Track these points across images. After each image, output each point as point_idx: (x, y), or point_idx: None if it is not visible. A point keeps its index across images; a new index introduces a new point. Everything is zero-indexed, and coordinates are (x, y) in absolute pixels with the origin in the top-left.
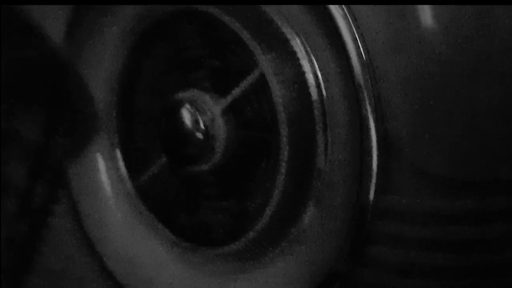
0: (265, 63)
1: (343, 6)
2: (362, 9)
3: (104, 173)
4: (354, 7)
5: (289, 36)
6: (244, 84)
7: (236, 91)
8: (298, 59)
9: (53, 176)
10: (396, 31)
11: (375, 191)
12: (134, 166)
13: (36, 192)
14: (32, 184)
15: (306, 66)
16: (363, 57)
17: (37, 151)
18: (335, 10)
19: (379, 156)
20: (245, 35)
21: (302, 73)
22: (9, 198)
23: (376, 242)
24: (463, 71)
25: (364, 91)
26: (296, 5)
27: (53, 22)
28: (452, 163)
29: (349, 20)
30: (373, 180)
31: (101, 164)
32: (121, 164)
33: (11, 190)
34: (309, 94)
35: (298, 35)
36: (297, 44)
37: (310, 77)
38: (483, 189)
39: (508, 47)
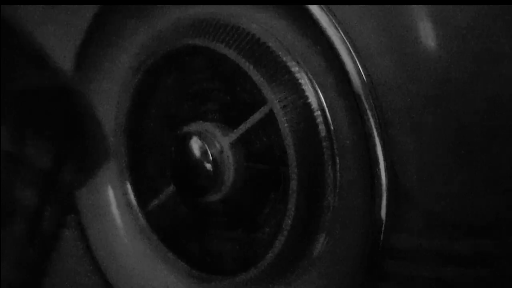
0: (274, 100)
1: (344, 38)
2: (360, 34)
3: (113, 200)
4: (353, 33)
5: (297, 75)
6: (253, 119)
7: (245, 125)
8: (306, 95)
9: (63, 202)
10: (400, 60)
11: (385, 228)
12: (144, 195)
13: (45, 217)
14: (41, 209)
15: (313, 102)
16: (369, 92)
17: (47, 177)
18: (339, 42)
19: (388, 194)
20: (252, 72)
21: (310, 109)
22: (19, 222)
23: (386, 279)
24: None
25: (374, 131)
26: (301, 40)
27: (63, 52)
28: (460, 205)
29: (352, 53)
30: (383, 217)
31: (110, 192)
32: (130, 192)
33: (20, 215)
34: (317, 130)
35: (305, 72)
36: (305, 82)
37: (318, 114)
38: (493, 230)
39: (506, 50)
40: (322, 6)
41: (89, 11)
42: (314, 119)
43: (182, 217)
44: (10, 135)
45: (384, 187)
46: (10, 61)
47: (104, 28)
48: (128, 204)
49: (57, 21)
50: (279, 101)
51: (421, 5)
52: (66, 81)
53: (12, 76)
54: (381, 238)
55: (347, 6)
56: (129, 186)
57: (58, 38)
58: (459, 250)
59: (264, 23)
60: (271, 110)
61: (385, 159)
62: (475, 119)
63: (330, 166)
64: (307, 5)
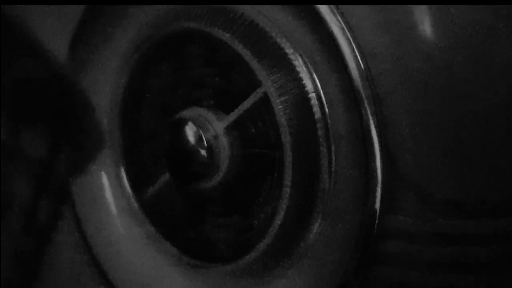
0: (268, 83)
1: (342, 23)
2: (361, 25)
3: (108, 189)
4: (353, 23)
5: (291, 56)
6: (247, 102)
7: (239, 110)
8: (301, 79)
9: (58, 193)
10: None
11: (380, 211)
12: (138, 182)
13: (40, 208)
14: (37, 200)
15: (308, 86)
16: (365, 75)
17: (42, 168)
18: (334, 26)
19: (383, 177)
20: (248, 55)
21: (305, 93)
22: (14, 214)
23: (381, 260)
24: (466, 79)
25: (368, 110)
26: (297, 23)
27: (56, 40)
28: (456, 185)
29: (349, 38)
30: (378, 200)
31: (105, 180)
32: (125, 180)
33: (16, 206)
34: (312, 113)
35: (300, 54)
36: (299, 63)
37: (313, 96)
38: (488, 210)
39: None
40: None
41: None
42: (308, 101)
43: (177, 205)
44: (5, 125)
45: (379, 171)
46: (3, 51)
47: (98, 16)
48: (123, 192)
49: (51, 9)
50: (273, 83)
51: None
52: (60, 71)
53: (5, 66)
54: (376, 222)
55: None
56: (124, 174)
57: (52, 26)
58: (458, 230)
59: (259, 6)
60: (265, 93)
61: (381, 145)
62: (474, 107)
63: (325, 150)
64: None
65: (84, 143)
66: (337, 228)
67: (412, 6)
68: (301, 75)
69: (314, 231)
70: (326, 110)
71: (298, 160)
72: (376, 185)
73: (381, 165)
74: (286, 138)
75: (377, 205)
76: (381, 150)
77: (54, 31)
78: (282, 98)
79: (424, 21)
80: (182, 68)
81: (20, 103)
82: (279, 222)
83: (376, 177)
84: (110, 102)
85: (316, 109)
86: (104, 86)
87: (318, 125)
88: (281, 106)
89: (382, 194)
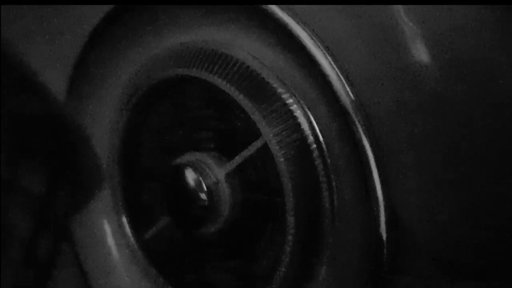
0: (268, 133)
1: (336, 68)
2: (349, 56)
3: (108, 231)
4: (347, 63)
5: (288, 102)
6: (248, 150)
7: (240, 157)
8: (299, 125)
9: (57, 229)
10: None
11: (385, 270)
12: (139, 224)
13: (40, 243)
14: (37, 235)
15: (307, 131)
16: (364, 124)
17: (40, 203)
18: (329, 70)
19: (388, 233)
20: (247, 105)
21: (304, 139)
22: (15, 247)
23: None
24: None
25: (370, 161)
26: (292, 68)
27: (55, 78)
28: (460, 248)
29: (343, 81)
30: (383, 258)
31: (106, 222)
32: (125, 221)
33: (16, 240)
34: (312, 159)
35: (297, 99)
36: (299, 113)
37: (312, 142)
38: (492, 273)
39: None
40: (311, 33)
41: (83, 33)
42: (308, 147)
43: (178, 247)
44: (5, 162)
45: (382, 218)
46: (1, 87)
47: (99, 52)
48: (124, 234)
49: (50, 43)
50: (274, 135)
51: (410, 24)
52: (59, 107)
53: (4, 102)
54: (381, 280)
55: (335, 28)
56: (124, 217)
57: (51, 60)
58: None
59: (255, 52)
60: (265, 143)
61: (383, 191)
62: (469, 131)
63: (328, 204)
64: (295, 33)
65: (83, 180)
66: (342, 280)
67: (399, 25)
68: (302, 126)
69: (320, 279)
70: (328, 160)
71: (300, 208)
72: (381, 242)
73: (385, 219)
74: (287, 185)
75: (383, 263)
76: (385, 204)
77: (52, 64)
78: (282, 147)
79: (419, 55)
80: (182, 109)
81: (18, 139)
82: (283, 269)
83: (380, 233)
84: (109, 143)
85: (316, 155)
86: (102, 125)
87: (320, 173)
88: (281, 155)
89: (387, 251)
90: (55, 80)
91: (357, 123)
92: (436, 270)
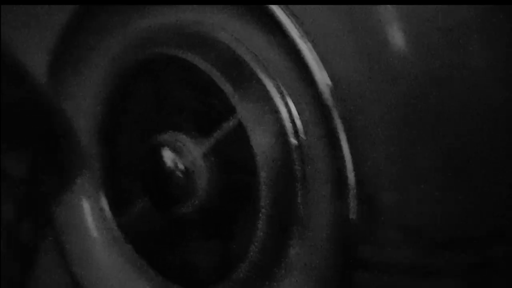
0: (243, 111)
1: (314, 51)
2: (328, 41)
3: (88, 212)
4: (325, 49)
5: (265, 82)
6: (224, 129)
7: (216, 136)
8: (276, 106)
9: (40, 214)
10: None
11: (354, 242)
12: (118, 205)
13: (24, 229)
14: (20, 219)
15: (283, 112)
16: (337, 104)
17: (24, 188)
18: (308, 54)
19: (358, 206)
20: (223, 82)
21: (280, 121)
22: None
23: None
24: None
25: (341, 139)
26: (273, 51)
27: (36, 61)
28: (434, 219)
29: (321, 65)
30: (352, 231)
31: (86, 204)
32: (104, 203)
33: (1, 228)
34: (287, 141)
35: (274, 79)
36: (274, 90)
37: (288, 125)
38: (456, 244)
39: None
40: (290, 15)
41: (64, 14)
42: (283, 128)
43: (157, 228)
44: None
45: (352, 194)
46: None
47: (78, 33)
48: (103, 215)
49: (30, 26)
50: (248, 112)
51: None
52: (42, 93)
53: None
54: (350, 252)
55: (315, 12)
56: (103, 198)
57: (32, 44)
58: (433, 263)
59: (235, 33)
60: (241, 122)
61: (354, 168)
62: (447, 123)
63: (299, 176)
64: (275, 13)
65: (65, 165)
66: (314, 257)
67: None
68: (276, 103)
69: (293, 254)
70: (302, 137)
71: (273, 185)
72: (350, 215)
73: (356, 198)
74: (261, 164)
75: (352, 236)
76: (357, 186)
77: (33, 48)
78: (257, 125)
79: (396, 39)
80: (159, 92)
81: (1, 126)
82: (257, 247)
83: (349, 206)
84: (89, 125)
85: (291, 136)
86: (82, 108)
87: (293, 152)
88: (256, 133)
89: (356, 226)
90: (36, 64)
91: (331, 104)
92: (402, 239)
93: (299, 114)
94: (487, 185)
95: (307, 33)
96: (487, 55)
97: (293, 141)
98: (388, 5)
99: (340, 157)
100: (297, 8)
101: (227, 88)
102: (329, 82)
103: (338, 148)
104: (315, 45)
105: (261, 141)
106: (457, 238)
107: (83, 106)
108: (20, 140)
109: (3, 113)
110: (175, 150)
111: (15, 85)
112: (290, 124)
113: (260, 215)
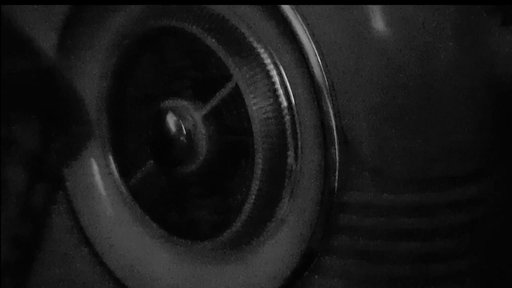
0: (239, 76)
1: (303, 24)
2: (320, 23)
3: (97, 175)
4: (313, 21)
5: (259, 50)
6: (221, 93)
7: (214, 100)
8: (268, 72)
9: (51, 180)
10: (351, 39)
11: (338, 188)
12: (126, 169)
13: (35, 194)
14: (32, 187)
15: (276, 79)
16: (322, 69)
17: (34, 157)
18: (298, 26)
19: (340, 157)
20: (220, 50)
21: (272, 84)
22: (11, 200)
23: (340, 232)
24: (414, 75)
25: (325, 96)
26: (265, 22)
27: (45, 34)
28: (404, 164)
29: (309, 37)
30: (336, 178)
31: (95, 166)
32: (113, 166)
33: (13, 192)
34: (279, 103)
35: (268, 51)
36: (267, 57)
37: (279, 88)
38: (424, 185)
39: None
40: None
41: None
42: (276, 92)
43: (162, 188)
44: None
45: (337, 155)
46: None
47: (84, 13)
48: (112, 177)
49: (38, 5)
50: (243, 76)
51: None
52: (49, 63)
53: None
54: (334, 197)
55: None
56: (112, 161)
57: (40, 21)
58: (404, 203)
59: (234, 7)
60: (237, 85)
61: (338, 132)
62: (421, 100)
63: (291, 137)
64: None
65: (74, 133)
66: (304, 205)
67: (369, 7)
68: (268, 68)
69: (284, 209)
70: (292, 99)
71: (267, 143)
72: (334, 166)
73: (337, 147)
74: (256, 124)
75: (336, 183)
76: (338, 137)
77: (41, 26)
78: (251, 89)
79: (379, 22)
80: (162, 61)
81: (11, 95)
82: (252, 201)
83: (334, 159)
84: (97, 94)
85: (282, 99)
86: (91, 79)
87: (284, 112)
88: (250, 96)
89: (339, 174)
90: (45, 37)
91: (317, 70)
92: (382, 185)
93: (289, 79)
94: (456, 130)
95: (297, 8)
96: (463, 45)
97: (284, 102)
98: None
99: (323, 111)
100: None
101: (224, 56)
102: (316, 51)
103: (323, 103)
104: (304, 18)
105: (254, 104)
106: (428, 178)
107: (90, 76)
108: (30, 110)
109: (11, 84)
110: (178, 114)
111: (24, 55)
112: (282, 88)
113: (255, 169)
